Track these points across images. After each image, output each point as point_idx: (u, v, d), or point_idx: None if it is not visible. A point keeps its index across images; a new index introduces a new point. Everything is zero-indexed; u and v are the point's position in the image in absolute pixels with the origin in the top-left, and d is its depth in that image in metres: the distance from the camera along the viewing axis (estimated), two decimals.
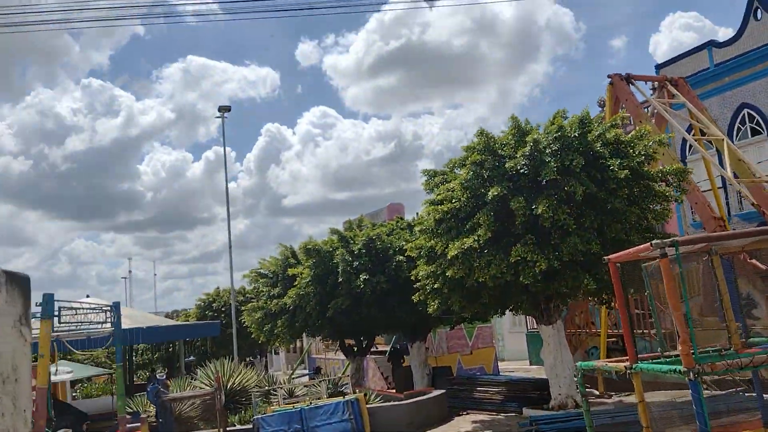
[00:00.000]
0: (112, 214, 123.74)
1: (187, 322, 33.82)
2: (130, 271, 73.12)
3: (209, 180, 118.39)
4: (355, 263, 17.90)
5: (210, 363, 17.43)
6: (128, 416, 11.22)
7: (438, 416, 15.17)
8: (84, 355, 18.74)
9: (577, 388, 14.14)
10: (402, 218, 21.16)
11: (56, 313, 7.64)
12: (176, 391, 15.25)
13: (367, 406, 14.18)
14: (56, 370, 23.22)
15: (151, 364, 45.05)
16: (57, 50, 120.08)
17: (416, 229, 16.21)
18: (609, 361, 7.75)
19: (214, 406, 13.06)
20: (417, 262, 15.14)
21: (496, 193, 12.43)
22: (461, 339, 25.70)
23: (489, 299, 13.81)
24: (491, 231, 12.55)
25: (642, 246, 6.50)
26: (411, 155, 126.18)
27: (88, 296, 30.93)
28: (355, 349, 23.30)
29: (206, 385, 15.27)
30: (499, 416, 15.47)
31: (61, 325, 8.43)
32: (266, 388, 16.01)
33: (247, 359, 38.57)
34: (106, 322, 11.08)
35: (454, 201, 13.35)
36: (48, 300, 7.48)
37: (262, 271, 22.26)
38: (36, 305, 7.47)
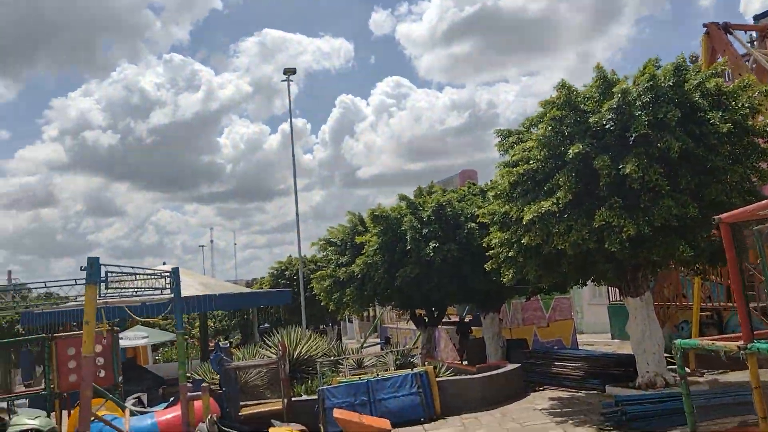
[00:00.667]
0: (195, 185, 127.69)
1: (260, 290, 34.04)
2: (211, 241, 75.51)
3: (285, 152, 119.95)
4: (425, 230, 17.08)
5: (278, 331, 17.10)
6: (189, 384, 10.93)
7: (513, 392, 14.29)
8: (149, 320, 18.75)
9: (668, 366, 12.97)
10: (474, 183, 20.10)
11: (103, 278, 7.22)
12: (242, 359, 15.00)
13: (437, 379, 13.46)
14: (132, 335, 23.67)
15: (228, 330, 46.12)
16: (139, 26, 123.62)
17: (489, 194, 15.21)
18: (715, 339, 6.64)
19: (283, 375, 12.66)
20: (490, 228, 14.17)
21: (577, 151, 11.27)
22: (537, 311, 24.56)
23: (568, 268, 12.72)
24: (572, 193, 11.43)
25: (763, 202, 5.36)
26: (486, 124, 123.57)
27: (164, 263, 31.58)
28: (426, 319, 22.65)
29: (272, 353, 14.92)
30: (579, 393, 14.42)
31: (114, 291, 8.02)
32: (333, 357, 15.53)
33: (321, 327, 38.74)
34: (165, 288, 10.75)
35: (530, 162, 12.26)
36: (93, 264, 7.05)
37: (330, 239, 21.79)
38: (81, 269, 7.07)
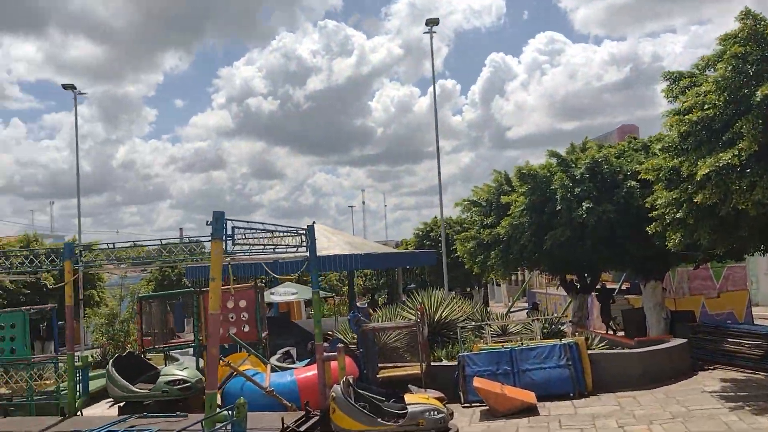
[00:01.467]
0: (348, 148, 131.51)
1: (404, 251, 33.98)
2: (363, 202, 77.15)
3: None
4: (577, 190, 15.64)
5: (420, 293, 16.63)
6: (326, 344, 10.73)
7: (677, 369, 12.77)
8: (284, 278, 19.06)
9: None
10: (635, 138, 18.13)
11: (229, 233, 6.97)
12: (379, 321, 14.72)
13: (589, 351, 12.31)
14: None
15: (377, 289, 46.90)
16: None
17: (654, 147, 13.52)
18: None
19: (421, 339, 12.15)
20: (654, 186, 12.59)
21: (766, 93, 9.45)
22: (707, 280, 22.13)
23: (749, 232, 10.95)
24: (757, 143, 9.66)
25: None
26: (648, 79, 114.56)
27: (314, 222, 32.36)
28: (578, 285, 21.20)
29: (412, 315, 14.48)
30: (758, 375, 12.60)
31: (242, 248, 7.79)
32: (475, 323, 14.80)
33: (466, 290, 38.13)
34: (301, 246, 10.53)
35: (706, 108, 10.54)
36: (218, 219, 6.80)
37: (474, 199, 20.90)
38: (207, 224, 6.84)
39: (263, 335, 13.72)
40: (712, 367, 13.47)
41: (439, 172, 25.95)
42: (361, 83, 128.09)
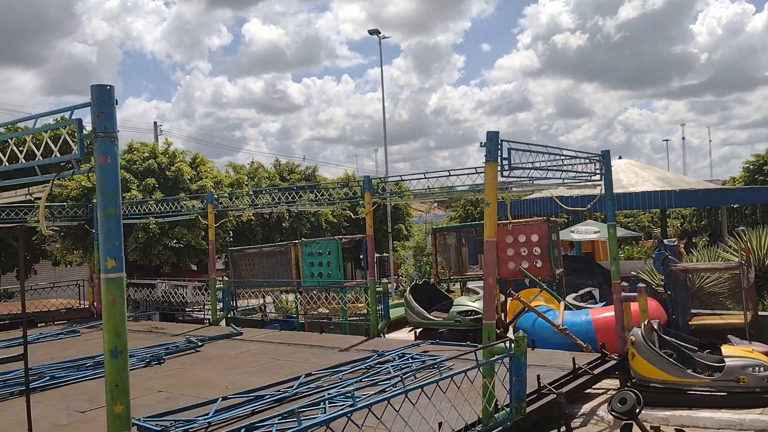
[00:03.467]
0: (665, 80, 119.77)
1: (729, 187, 29.63)
2: (683, 138, 70.03)
3: None
4: None
5: (746, 235, 14.11)
6: (625, 284, 9.62)
7: None
8: (575, 210, 17.82)
9: None
10: None
11: (505, 156, 6.38)
12: (695, 261, 12.84)
13: None
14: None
15: (698, 231, 42.18)
16: None
17: None
18: None
19: (746, 284, 10.25)
20: None
21: None
22: None
23: None
24: None
25: None
26: None
27: (620, 157, 30.01)
28: None
29: (735, 258, 12.35)
30: None
31: (514, 173, 7.13)
32: None
33: None
34: (595, 174, 9.49)
35: None
36: (492, 139, 6.26)
37: None
38: (480, 145, 6.36)
39: (558, 272, 13.02)
40: None
41: None
42: (682, 5, 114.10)
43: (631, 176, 26.92)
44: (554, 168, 7.94)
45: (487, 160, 6.35)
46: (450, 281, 14.24)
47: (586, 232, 22.76)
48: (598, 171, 9.39)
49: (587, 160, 9.28)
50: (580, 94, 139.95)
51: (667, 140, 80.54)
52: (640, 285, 9.46)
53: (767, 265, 12.87)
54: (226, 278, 15.31)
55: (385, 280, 12.04)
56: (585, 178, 9.23)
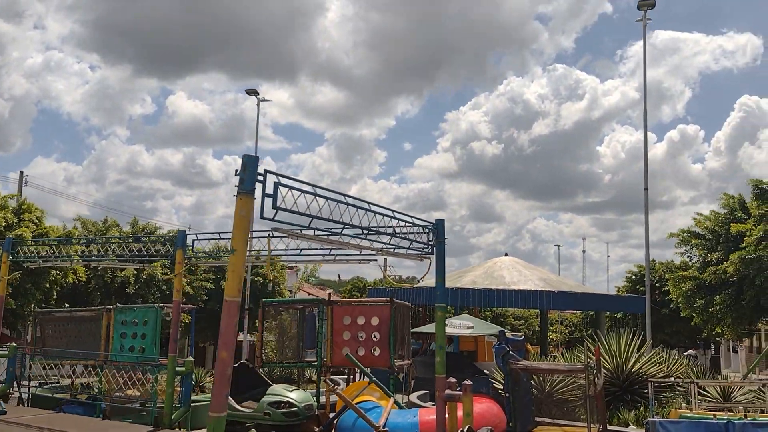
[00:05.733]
0: (571, 194, 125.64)
1: (607, 293, 29.50)
2: (584, 251, 72.12)
3: (671, 161, 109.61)
4: None
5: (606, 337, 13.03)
6: (452, 380, 8.09)
7: None
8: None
9: None
10: None
11: (270, 192, 4.81)
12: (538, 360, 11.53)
13: None
14: None
15: (582, 340, 42.10)
16: (527, 38, 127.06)
17: None
18: None
19: (592, 391, 8.90)
20: None
21: None
22: None
23: None
24: None
25: None
26: None
27: (506, 254, 29.43)
28: None
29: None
30: None
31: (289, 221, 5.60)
32: (679, 379, 10.96)
33: (688, 353, 32.29)
34: (426, 247, 8.09)
35: None
36: (248, 165, 4.67)
37: (696, 229, 16.69)
38: (235, 174, 4.77)
39: (400, 364, 11.39)
40: None
41: (647, 206, 21.47)
42: (590, 128, 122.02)
43: (514, 274, 26.19)
44: (356, 227, 6.40)
45: (239, 191, 4.75)
46: (281, 366, 12.26)
47: (460, 326, 21.42)
48: (430, 242, 8.02)
49: (418, 229, 7.91)
50: (492, 200, 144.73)
51: (559, 246, 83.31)
52: (466, 383, 7.90)
53: (632, 372, 11.76)
54: (13, 344, 12.70)
55: (190, 358, 10.07)
56: (407, 248, 7.80)
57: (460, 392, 7.71)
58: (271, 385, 10.57)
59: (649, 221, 18.36)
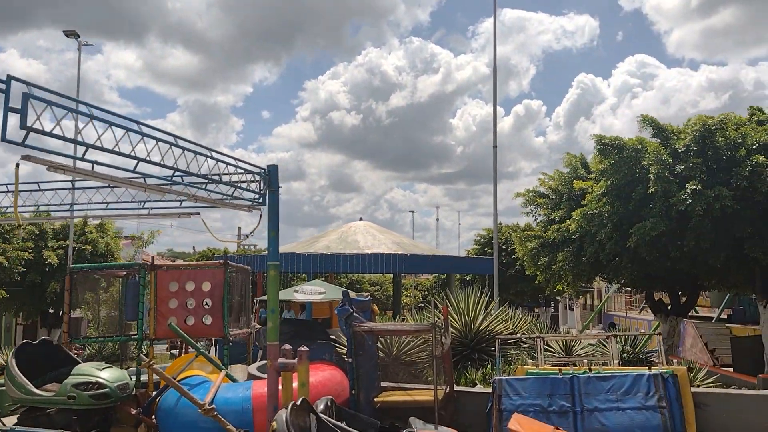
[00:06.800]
0: (426, 165, 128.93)
1: (457, 256, 30.06)
2: (437, 220, 73.93)
3: (517, 134, 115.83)
4: (680, 167, 11.55)
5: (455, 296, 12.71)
6: (288, 347, 7.16)
7: None
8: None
9: None
10: (760, 110, 13.66)
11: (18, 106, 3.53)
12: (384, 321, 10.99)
13: (693, 389, 8.19)
14: None
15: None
16: (384, 8, 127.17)
17: None
18: None
19: (439, 351, 8.36)
20: None
21: None
22: None
23: None
24: None
25: None
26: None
27: (360, 219, 28.94)
28: (669, 306, 16.90)
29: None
30: None
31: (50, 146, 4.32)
32: (526, 335, 10.82)
33: (533, 310, 33.88)
34: (258, 197, 7.01)
35: None
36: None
37: (540, 189, 16.90)
38: None
39: (237, 332, 10.29)
40: None
41: (495, 162, 21.75)
42: (444, 101, 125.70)
43: (368, 238, 25.75)
44: (159, 165, 5.16)
45: None
46: (94, 342, 10.69)
47: (311, 292, 20.56)
48: (261, 191, 6.95)
49: (245, 174, 6.80)
50: (351, 170, 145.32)
51: (413, 212, 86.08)
52: (302, 350, 6.99)
53: (479, 331, 11.48)
54: None
55: None
56: (229, 195, 6.69)
57: (295, 361, 6.80)
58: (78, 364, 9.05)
59: (498, 190, 18.53)
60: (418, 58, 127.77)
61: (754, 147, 11.26)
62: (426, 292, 50.61)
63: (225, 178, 6.63)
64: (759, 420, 8.12)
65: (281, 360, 6.84)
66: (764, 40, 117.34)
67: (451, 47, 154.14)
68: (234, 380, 8.87)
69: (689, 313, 18.24)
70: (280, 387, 7.10)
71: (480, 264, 25.10)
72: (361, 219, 28.17)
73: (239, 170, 6.59)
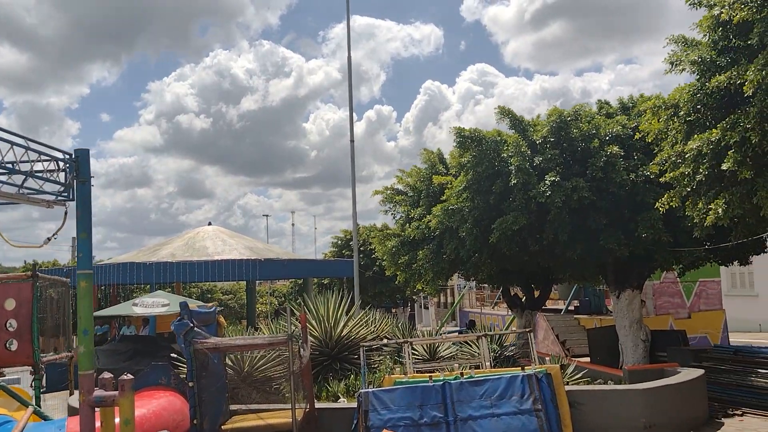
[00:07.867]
0: (280, 170, 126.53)
1: (314, 259, 29.10)
2: (293, 225, 72.29)
3: (369, 139, 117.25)
4: (537, 159, 11.37)
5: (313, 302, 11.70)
6: (108, 375, 5.79)
7: (691, 416, 8.41)
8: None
9: None
10: (608, 103, 13.95)
11: None
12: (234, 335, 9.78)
13: (567, 388, 7.80)
14: None
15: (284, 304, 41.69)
16: (233, 10, 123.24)
17: (649, 103, 9.27)
18: None
19: (297, 366, 7.30)
20: (661, 144, 8.41)
21: None
22: (675, 296, 18.35)
23: None
24: None
25: None
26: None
27: (210, 223, 27.06)
28: (524, 299, 17.07)
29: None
30: None
31: None
32: (390, 340, 10.07)
33: (392, 311, 33.60)
34: (63, 189, 5.56)
35: None
36: None
37: (399, 186, 16.36)
38: None
39: (50, 357, 8.56)
40: (739, 412, 9.19)
41: (353, 171, 21.13)
42: (297, 105, 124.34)
43: (218, 243, 24.02)
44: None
45: None
46: None
47: (153, 305, 18.58)
48: (66, 183, 5.51)
49: (43, 161, 5.33)
50: (201, 176, 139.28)
51: (267, 215, 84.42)
52: (125, 378, 5.63)
53: (341, 338, 10.56)
54: None
55: None
56: (31, 189, 5.21)
57: (115, 393, 5.44)
58: None
59: (355, 187, 17.83)
60: (269, 61, 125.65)
61: (606, 138, 11.35)
62: (282, 299, 49.11)
63: (24, 167, 5.16)
64: (631, 414, 7.90)
65: (97, 392, 5.44)
66: (589, 53, 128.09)
67: (302, 51, 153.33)
68: (45, 417, 7.24)
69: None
70: (98, 424, 5.70)
71: (338, 266, 24.27)
72: (210, 224, 26.34)
73: (35, 155, 5.12)
